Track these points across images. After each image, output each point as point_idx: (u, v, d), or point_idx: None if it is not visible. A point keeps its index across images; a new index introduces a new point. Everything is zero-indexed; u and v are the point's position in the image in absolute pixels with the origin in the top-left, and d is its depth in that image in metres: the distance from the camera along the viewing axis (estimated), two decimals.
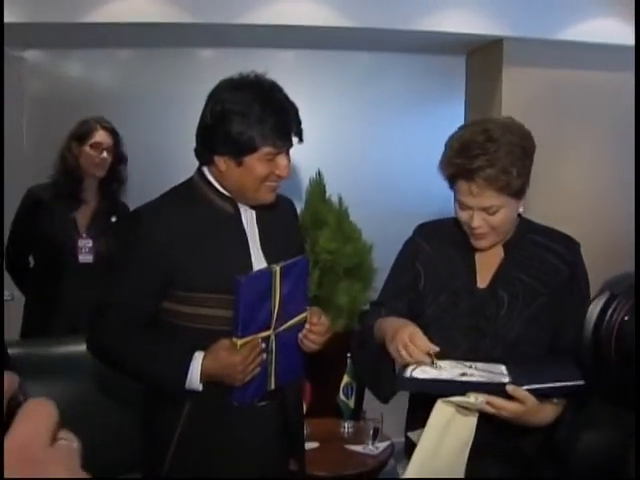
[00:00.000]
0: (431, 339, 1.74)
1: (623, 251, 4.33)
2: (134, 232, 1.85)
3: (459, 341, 1.80)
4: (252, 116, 1.74)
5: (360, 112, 4.65)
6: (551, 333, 1.82)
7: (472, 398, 1.61)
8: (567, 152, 4.31)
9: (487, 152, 1.70)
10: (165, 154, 4.31)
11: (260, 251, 1.89)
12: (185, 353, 1.78)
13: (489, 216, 1.76)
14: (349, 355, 3.23)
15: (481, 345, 1.80)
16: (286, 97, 1.82)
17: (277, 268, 1.78)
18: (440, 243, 1.92)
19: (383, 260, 4.15)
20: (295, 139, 1.84)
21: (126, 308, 1.80)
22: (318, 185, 4.08)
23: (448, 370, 1.70)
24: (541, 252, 1.85)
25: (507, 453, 1.80)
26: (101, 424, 2.57)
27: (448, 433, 1.65)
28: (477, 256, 1.89)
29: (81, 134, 3.25)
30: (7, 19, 3.40)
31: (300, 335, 1.89)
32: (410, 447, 1.89)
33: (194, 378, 1.76)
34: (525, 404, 1.61)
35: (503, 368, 1.71)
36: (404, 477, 1.67)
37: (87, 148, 3.23)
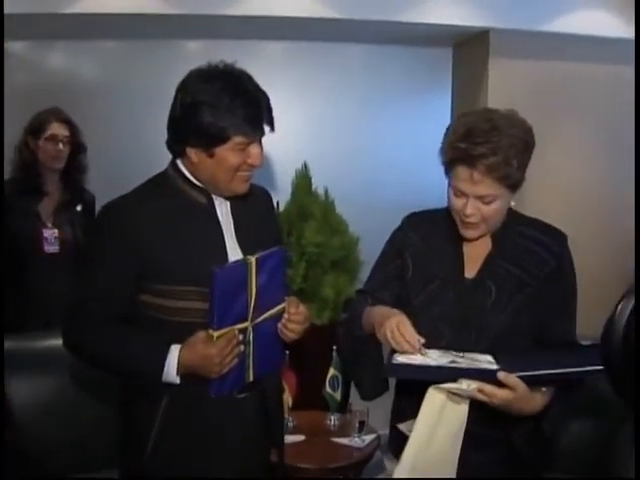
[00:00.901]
0: (418, 329, 1.75)
1: (613, 243, 4.37)
2: (107, 225, 1.84)
3: (446, 331, 1.80)
4: (222, 106, 1.73)
5: (347, 104, 4.65)
6: (537, 324, 1.82)
7: (464, 384, 1.61)
8: (554, 144, 4.31)
9: (491, 141, 1.70)
10: (148, 146, 4.28)
11: (235, 242, 1.88)
12: (161, 346, 1.77)
13: (483, 205, 1.76)
14: (335, 348, 3.23)
15: (467, 336, 1.80)
16: (256, 86, 1.80)
17: (252, 259, 1.77)
18: (429, 233, 1.92)
19: (369, 253, 4.14)
20: (267, 128, 1.82)
21: (101, 303, 1.79)
22: (304, 178, 4.08)
23: (437, 358, 1.69)
24: (528, 243, 1.86)
25: (497, 443, 1.80)
26: (79, 419, 2.57)
27: (440, 421, 1.65)
28: (465, 247, 1.89)
29: (36, 128, 3.25)
30: None
31: (279, 325, 1.88)
32: (396, 438, 1.89)
33: (171, 371, 1.75)
34: (516, 391, 1.61)
35: (490, 358, 1.72)
36: (399, 466, 1.66)
37: (43, 142, 3.23)
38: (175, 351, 1.75)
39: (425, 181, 3.32)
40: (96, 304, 1.79)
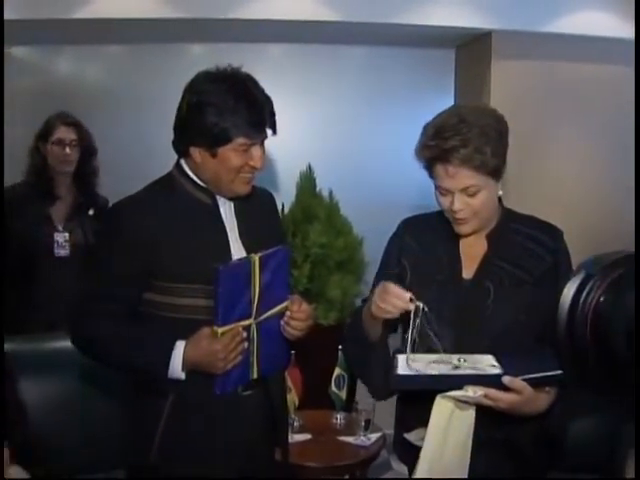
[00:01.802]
0: (419, 331, 1.76)
1: (613, 243, 4.37)
2: (115, 225, 1.87)
3: (446, 332, 1.80)
4: (226, 108, 1.77)
5: (350, 106, 4.66)
6: (537, 321, 1.82)
7: (470, 392, 1.61)
8: (556, 145, 4.32)
9: (460, 132, 1.72)
10: (153, 149, 4.31)
11: (239, 242, 1.91)
12: (167, 342, 1.80)
13: (469, 198, 1.77)
14: (340, 347, 3.25)
15: (468, 336, 1.80)
16: (261, 90, 1.85)
17: (256, 257, 1.79)
18: (424, 237, 1.93)
19: (374, 253, 4.15)
20: (269, 131, 1.86)
21: (109, 301, 1.82)
22: (308, 179, 4.11)
23: (440, 365, 1.70)
24: (524, 241, 1.86)
25: (502, 444, 1.81)
26: (85, 421, 2.58)
27: (450, 429, 1.65)
28: (462, 248, 1.89)
29: (44, 133, 3.28)
30: None
31: (282, 322, 1.91)
32: (402, 445, 1.90)
33: (176, 366, 1.78)
34: (522, 394, 1.62)
35: (491, 358, 1.72)
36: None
37: (51, 146, 3.26)
38: (180, 347, 1.79)
39: (428, 182, 3.33)
40: (103, 302, 1.82)
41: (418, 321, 1.71)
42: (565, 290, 1.16)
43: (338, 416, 3.25)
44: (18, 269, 3.22)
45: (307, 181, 4.10)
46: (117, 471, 2.35)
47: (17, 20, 3.66)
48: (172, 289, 1.83)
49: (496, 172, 1.78)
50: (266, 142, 1.88)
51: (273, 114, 1.85)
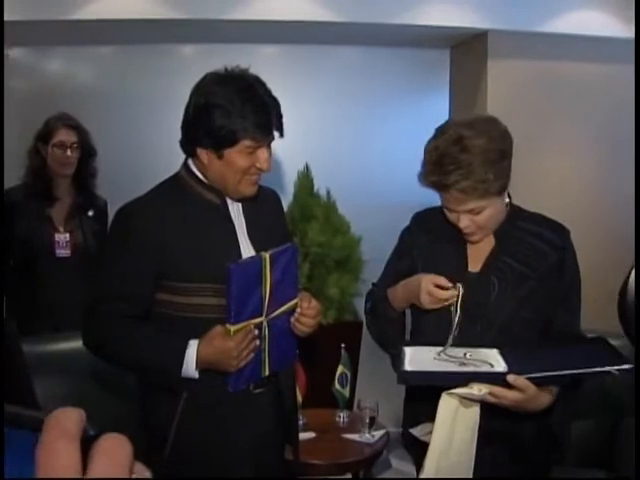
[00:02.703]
0: (426, 324, 1.84)
1: (607, 240, 4.41)
2: (125, 226, 1.87)
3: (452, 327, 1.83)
4: (233, 110, 1.77)
5: (346, 106, 4.67)
6: (541, 317, 1.85)
7: (475, 389, 1.63)
8: (552, 144, 4.34)
9: (461, 165, 1.72)
10: (145, 150, 4.31)
11: (248, 240, 1.93)
12: (180, 341, 1.80)
13: (475, 216, 1.80)
14: (343, 345, 3.27)
15: (473, 330, 1.83)
16: (268, 92, 1.85)
17: (267, 255, 1.80)
18: (434, 231, 1.96)
19: (371, 252, 4.21)
20: (276, 133, 1.87)
21: (120, 302, 1.82)
22: (306, 179, 4.12)
23: (446, 360, 1.72)
24: (530, 238, 1.89)
25: (506, 439, 1.83)
26: (96, 421, 2.57)
27: (456, 426, 1.67)
28: (469, 243, 1.93)
29: (44, 134, 3.27)
30: None
31: (292, 319, 1.92)
32: (409, 441, 1.93)
33: (190, 365, 1.79)
34: (526, 392, 1.63)
35: (496, 353, 1.74)
36: (422, 475, 1.68)
37: (51, 148, 3.25)
38: (193, 346, 1.79)
39: None
40: (114, 304, 1.82)
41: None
42: (632, 274, 1.16)
43: (342, 414, 3.26)
44: (20, 271, 3.21)
45: (305, 181, 4.11)
46: None
47: (9, 21, 3.63)
48: (183, 289, 1.83)
49: (501, 191, 1.81)
50: (271, 145, 1.89)
51: (280, 116, 1.86)
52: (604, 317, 3.57)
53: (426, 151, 1.81)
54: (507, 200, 1.88)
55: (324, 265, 3.92)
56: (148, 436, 1.93)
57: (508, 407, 1.67)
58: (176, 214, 1.85)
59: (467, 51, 4.55)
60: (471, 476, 1.72)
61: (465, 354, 1.73)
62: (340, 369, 3.23)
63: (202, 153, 1.84)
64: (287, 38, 4.50)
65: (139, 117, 4.39)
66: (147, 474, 0.52)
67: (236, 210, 1.94)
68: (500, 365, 1.68)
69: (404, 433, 2.01)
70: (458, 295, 1.78)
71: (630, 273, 1.16)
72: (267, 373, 1.91)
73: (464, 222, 1.81)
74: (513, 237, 1.89)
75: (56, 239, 3.22)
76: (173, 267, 1.82)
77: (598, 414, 2.79)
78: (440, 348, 1.77)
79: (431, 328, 1.87)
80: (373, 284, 2.14)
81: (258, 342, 1.83)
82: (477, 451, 1.75)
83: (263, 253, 1.81)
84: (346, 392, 3.25)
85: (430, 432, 1.68)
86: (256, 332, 1.82)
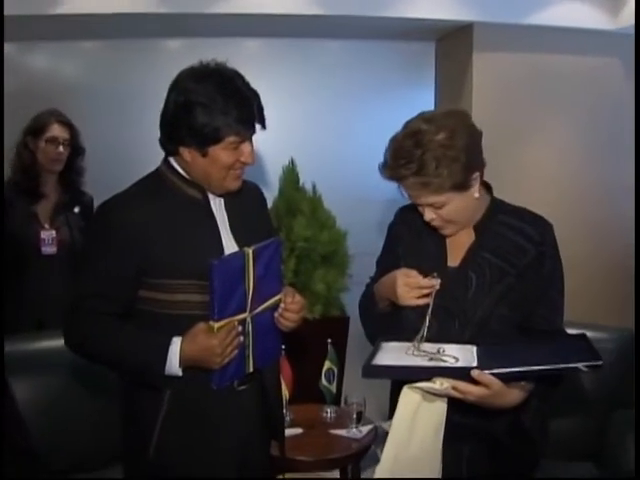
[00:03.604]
0: (405, 317, 1.84)
1: (595, 233, 4.42)
2: (105, 223, 1.85)
3: (430, 321, 1.81)
4: (215, 107, 1.75)
5: (331, 100, 4.67)
6: (520, 313, 1.84)
7: (437, 384, 1.62)
8: (538, 137, 4.35)
9: (413, 159, 1.73)
10: (132, 146, 4.29)
11: (231, 236, 1.91)
12: (163, 339, 1.78)
13: (438, 210, 1.81)
14: (329, 341, 3.27)
15: (450, 325, 1.83)
16: (247, 85, 1.83)
17: (249, 250, 1.79)
18: (415, 225, 1.95)
19: (357, 246, 4.21)
20: (258, 126, 1.85)
21: (102, 299, 1.80)
22: (291, 173, 4.12)
23: (415, 355, 1.72)
24: (510, 233, 1.87)
25: (478, 434, 1.82)
26: (76, 420, 2.58)
27: (417, 419, 1.66)
28: (449, 237, 1.92)
29: (36, 129, 3.23)
30: None
31: (276, 314, 1.91)
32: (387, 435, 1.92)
33: (173, 363, 1.77)
34: (490, 388, 1.62)
35: (474, 350, 1.73)
36: (379, 465, 1.67)
37: (43, 143, 3.22)
38: (177, 343, 1.77)
39: None
40: (96, 301, 1.80)
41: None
42: None
43: (329, 409, 3.24)
44: (6, 267, 3.17)
45: (290, 175, 4.10)
46: (115, 468, 2.33)
47: None
48: (166, 286, 1.81)
49: (459, 187, 1.78)
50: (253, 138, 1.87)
51: (262, 109, 1.84)
52: (590, 310, 3.60)
53: (390, 140, 1.82)
54: (477, 195, 1.84)
55: (310, 260, 3.92)
56: (132, 434, 1.92)
57: (474, 403, 1.66)
58: (157, 210, 1.83)
59: (453, 44, 4.55)
60: (438, 472, 1.71)
61: (439, 350, 1.72)
62: (327, 364, 3.24)
63: (185, 152, 1.81)
64: (272, 32, 4.49)
65: (125, 112, 4.37)
66: None
67: (218, 205, 1.92)
68: (470, 361, 1.67)
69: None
70: (434, 286, 1.78)
71: None
72: (251, 369, 1.90)
73: (428, 215, 1.82)
74: (493, 232, 1.88)
75: (42, 236, 3.20)
76: (155, 264, 1.80)
77: (587, 408, 2.80)
78: (416, 344, 1.75)
79: (413, 324, 1.84)
80: (371, 278, 2.13)
81: (242, 338, 1.82)
82: (454, 449, 1.76)
83: (246, 249, 1.80)
84: (333, 388, 3.25)
85: None
86: (240, 328, 1.80)
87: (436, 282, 1.78)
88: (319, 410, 3.26)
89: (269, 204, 3.95)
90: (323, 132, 4.63)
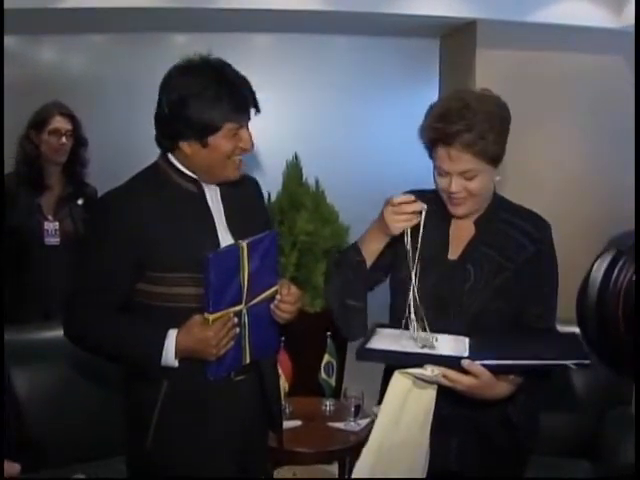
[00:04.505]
0: (399, 306, 1.82)
1: (595, 229, 4.42)
2: (103, 216, 1.89)
3: (425, 312, 1.82)
4: (209, 97, 1.79)
5: (335, 96, 4.67)
6: (514, 307, 1.86)
7: (428, 370, 1.65)
8: (541, 134, 4.34)
9: (465, 118, 1.76)
10: (138, 139, 4.29)
11: (226, 228, 1.93)
12: (159, 331, 1.82)
13: (467, 181, 1.81)
14: (329, 334, 3.28)
15: (446, 316, 1.85)
16: (236, 72, 1.87)
17: (244, 244, 1.82)
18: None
19: None
20: (252, 110, 1.88)
21: (100, 292, 1.84)
22: (295, 168, 4.14)
23: (409, 341, 1.74)
24: (509, 229, 1.90)
25: (466, 426, 1.85)
26: (80, 410, 2.61)
27: (406, 405, 1.69)
28: (451, 229, 1.94)
29: (39, 121, 3.26)
30: None
31: (272, 306, 1.93)
32: None
33: (169, 354, 1.80)
34: (480, 378, 1.65)
35: (466, 341, 1.75)
36: (365, 448, 1.69)
37: (46, 135, 3.25)
38: (172, 335, 1.80)
39: (413, 170, 3.37)
40: (95, 294, 1.84)
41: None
42: (594, 266, 1.11)
43: (327, 402, 3.27)
44: (10, 259, 3.21)
45: (294, 170, 4.12)
46: (117, 458, 2.37)
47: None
48: (162, 278, 1.84)
49: (496, 159, 1.83)
50: (253, 132, 1.90)
51: (253, 93, 1.88)
52: None
53: (429, 109, 1.86)
54: (498, 178, 1.88)
55: (312, 254, 3.94)
56: (132, 425, 1.95)
57: (463, 392, 1.69)
58: (154, 204, 1.86)
59: (456, 41, 4.55)
60: (425, 459, 1.73)
61: (433, 338, 1.74)
62: (326, 358, 3.25)
63: (185, 145, 1.84)
64: (278, 27, 4.50)
65: (132, 106, 4.36)
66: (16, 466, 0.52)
67: (214, 198, 1.95)
68: (462, 351, 1.70)
69: None
70: (422, 212, 1.77)
71: (592, 266, 1.07)
72: (248, 360, 1.92)
73: (456, 186, 1.81)
74: (493, 227, 1.91)
75: (45, 227, 3.23)
76: (151, 257, 1.83)
77: (583, 405, 2.82)
78: (411, 332, 1.77)
79: (406, 302, 1.84)
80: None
81: (238, 330, 1.85)
82: (442, 440, 1.78)
83: (240, 242, 1.83)
84: (332, 381, 3.27)
85: None
86: (235, 320, 1.83)
87: (423, 206, 1.77)
88: (318, 403, 3.29)
89: (272, 198, 4.01)
90: (327, 127, 4.64)
